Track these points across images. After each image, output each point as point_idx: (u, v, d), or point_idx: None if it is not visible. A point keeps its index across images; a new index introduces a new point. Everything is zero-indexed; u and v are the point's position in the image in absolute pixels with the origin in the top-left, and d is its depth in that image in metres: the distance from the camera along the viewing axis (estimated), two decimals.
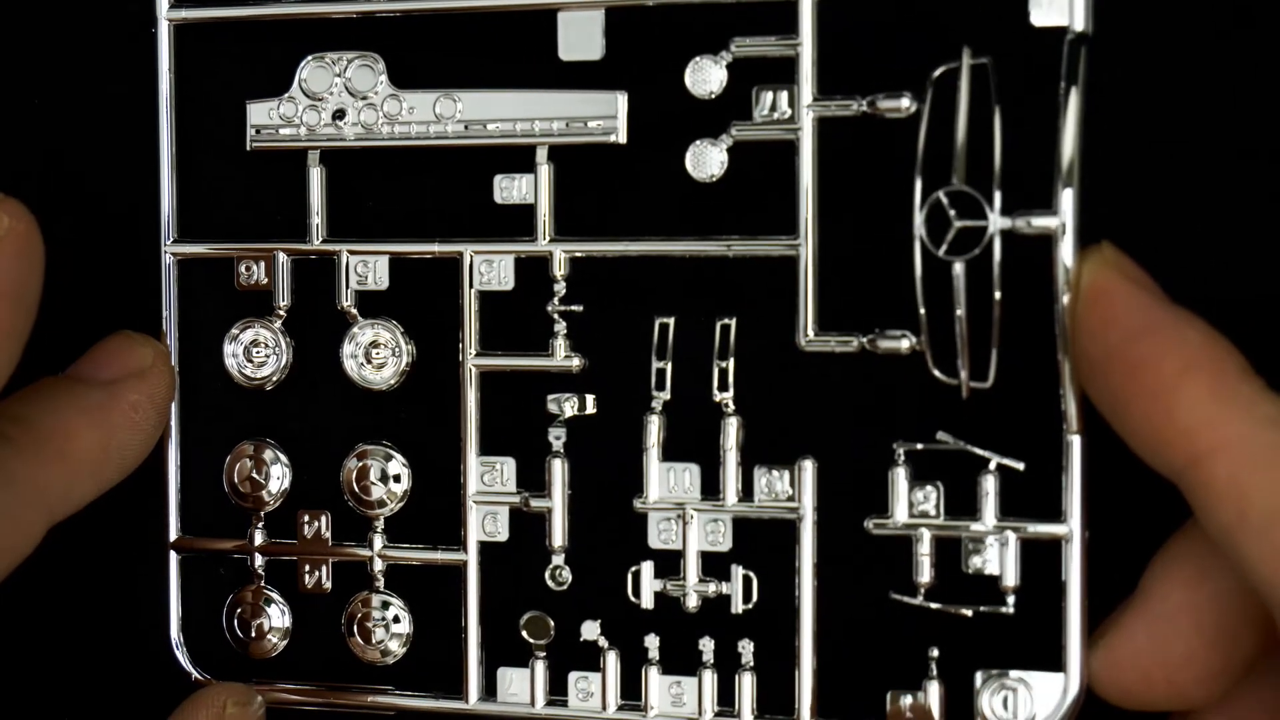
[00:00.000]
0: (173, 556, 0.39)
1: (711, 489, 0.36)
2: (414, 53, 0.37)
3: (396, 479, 0.38)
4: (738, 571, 0.36)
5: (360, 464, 0.38)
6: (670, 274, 0.36)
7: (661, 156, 0.35)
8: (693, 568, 0.36)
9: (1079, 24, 0.32)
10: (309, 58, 0.37)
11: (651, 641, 0.36)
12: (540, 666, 0.37)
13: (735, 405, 0.35)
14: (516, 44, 0.36)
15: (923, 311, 0.33)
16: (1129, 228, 0.32)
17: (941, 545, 0.34)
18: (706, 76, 0.35)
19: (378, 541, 0.38)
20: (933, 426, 0.34)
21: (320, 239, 0.38)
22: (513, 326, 0.37)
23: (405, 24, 0.37)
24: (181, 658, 0.39)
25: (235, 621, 0.39)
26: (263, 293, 0.38)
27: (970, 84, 0.32)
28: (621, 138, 0.36)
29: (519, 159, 0.36)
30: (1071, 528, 0.33)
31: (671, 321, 0.36)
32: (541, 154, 0.36)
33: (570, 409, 0.36)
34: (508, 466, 0.37)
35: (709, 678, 0.36)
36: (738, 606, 0.36)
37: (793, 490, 0.35)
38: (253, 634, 0.39)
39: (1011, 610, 0.34)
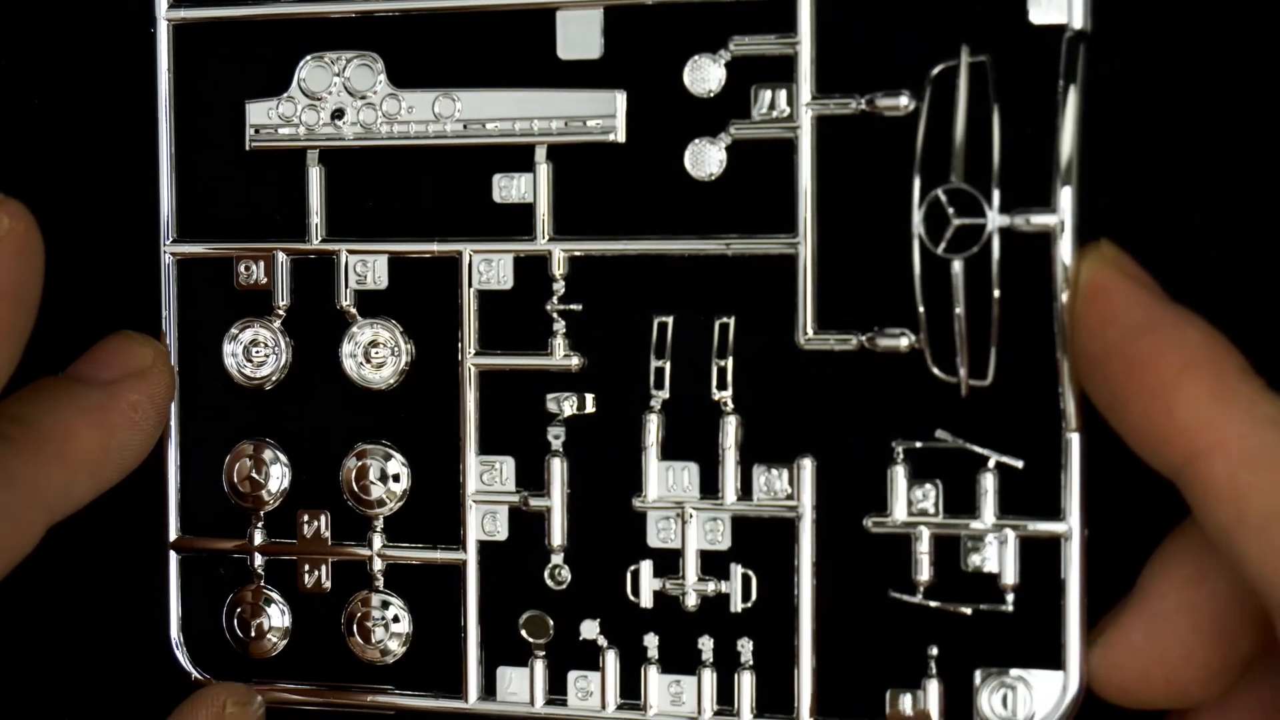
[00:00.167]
0: (173, 556, 0.39)
1: (710, 488, 0.36)
2: (413, 52, 0.37)
3: (396, 478, 0.38)
4: (737, 570, 0.36)
5: (359, 463, 0.38)
6: (669, 273, 0.36)
7: (660, 155, 0.35)
8: (692, 566, 0.36)
9: (1078, 21, 0.32)
10: (308, 57, 0.37)
11: (651, 640, 0.36)
12: (540, 666, 0.37)
13: (734, 404, 0.35)
14: (515, 43, 0.36)
15: (921, 310, 0.33)
16: (1128, 225, 0.32)
17: (940, 543, 0.34)
18: (705, 75, 0.35)
19: (377, 541, 0.38)
20: (932, 424, 0.34)
21: (319, 238, 0.38)
22: (512, 326, 0.37)
23: (404, 23, 0.37)
24: (181, 657, 0.39)
25: (235, 621, 0.39)
26: (262, 292, 0.38)
27: (969, 82, 0.32)
28: (620, 137, 0.36)
29: (518, 158, 0.36)
30: (1071, 525, 0.33)
31: (670, 320, 0.36)
32: (540, 153, 0.36)
33: (569, 408, 0.36)
34: (507, 466, 0.37)
35: (708, 677, 0.36)
36: (737, 605, 0.36)
37: (792, 489, 0.35)
38: (252, 633, 0.39)
39: (1011, 608, 0.34)
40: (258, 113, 0.37)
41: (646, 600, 0.36)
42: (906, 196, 0.33)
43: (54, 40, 0.39)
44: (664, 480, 0.36)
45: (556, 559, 0.37)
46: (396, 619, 0.38)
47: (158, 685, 0.39)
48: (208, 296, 0.38)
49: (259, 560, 0.38)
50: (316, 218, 0.37)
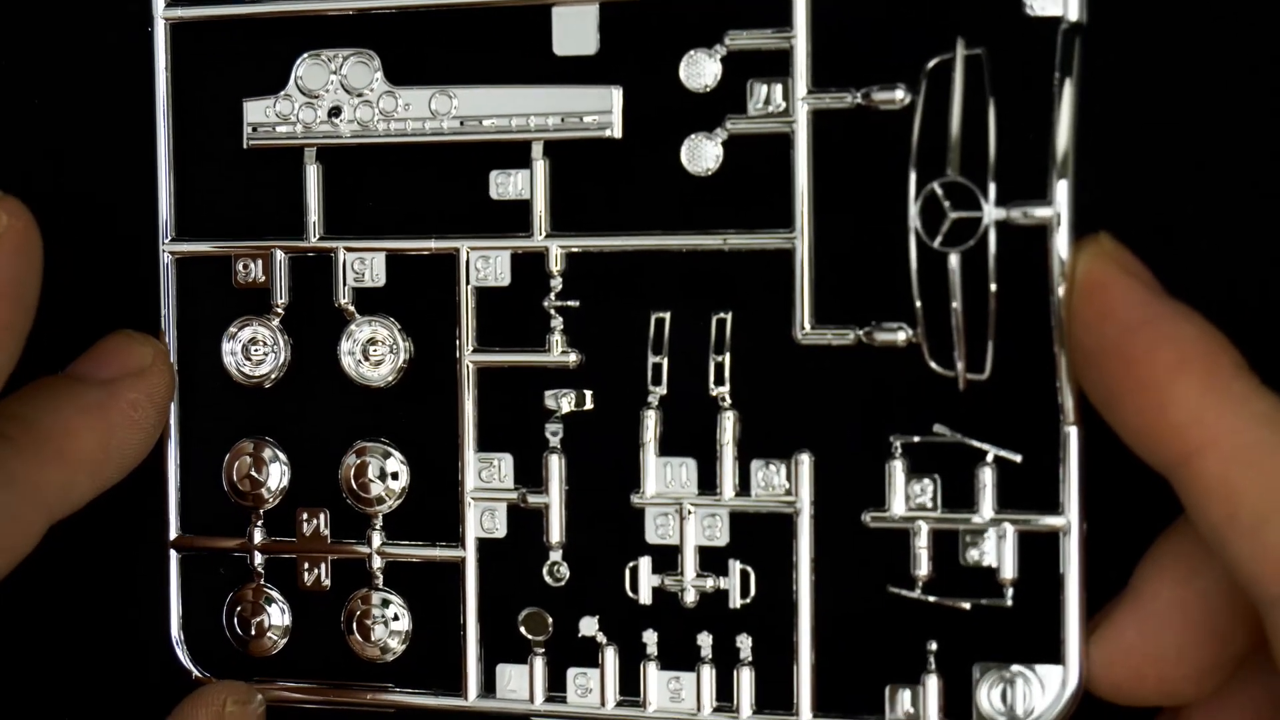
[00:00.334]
0: (173, 555, 0.39)
1: (709, 483, 0.35)
2: (409, 49, 0.37)
3: (395, 476, 0.38)
4: (735, 566, 0.36)
5: (359, 461, 0.38)
6: (666, 268, 0.36)
7: (657, 151, 0.35)
8: (690, 563, 0.36)
9: (1073, 14, 0.32)
10: (305, 55, 0.37)
11: (650, 637, 0.36)
12: (539, 663, 0.37)
13: (732, 399, 0.35)
14: (511, 39, 0.36)
15: (919, 304, 0.33)
16: (1124, 218, 0.32)
17: (939, 538, 0.34)
18: (701, 70, 0.35)
19: (376, 539, 0.38)
20: (930, 419, 0.34)
21: (317, 236, 0.38)
22: (509, 322, 0.37)
23: (400, 20, 0.37)
24: (182, 656, 0.39)
25: (235, 619, 0.39)
26: (260, 290, 0.38)
27: (964, 75, 0.32)
28: (617, 132, 0.35)
29: (514, 154, 0.36)
30: (1069, 520, 0.33)
31: (668, 316, 0.36)
32: (537, 149, 0.36)
33: (567, 404, 0.36)
34: (505, 462, 0.37)
35: (707, 673, 0.36)
36: (736, 601, 0.36)
37: (790, 484, 0.35)
38: (252, 632, 0.39)
39: (1010, 603, 0.34)
40: (255, 111, 0.37)
41: (645, 597, 0.36)
42: (903, 190, 0.32)
43: (53, 40, 0.39)
44: (662, 476, 0.36)
45: (555, 556, 0.37)
46: (396, 617, 0.38)
47: (158, 684, 0.39)
48: (206, 295, 0.38)
49: (259, 559, 0.38)
50: (314, 215, 0.38)
